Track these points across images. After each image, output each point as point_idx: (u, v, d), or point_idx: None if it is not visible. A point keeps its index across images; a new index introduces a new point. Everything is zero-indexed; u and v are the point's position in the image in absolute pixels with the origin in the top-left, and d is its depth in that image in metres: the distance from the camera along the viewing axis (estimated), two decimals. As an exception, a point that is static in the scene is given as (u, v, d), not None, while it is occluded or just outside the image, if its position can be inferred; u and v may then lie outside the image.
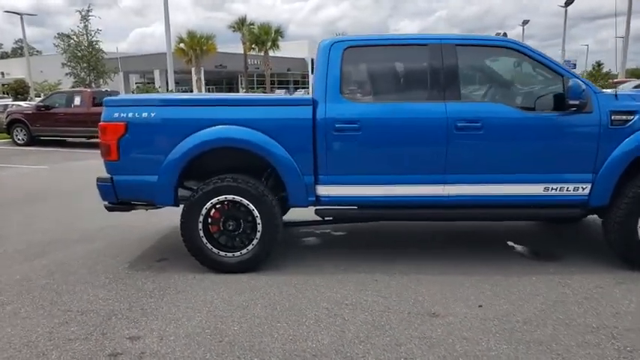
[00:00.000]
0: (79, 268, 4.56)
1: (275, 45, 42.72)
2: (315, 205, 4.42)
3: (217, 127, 4.23)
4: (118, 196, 4.43)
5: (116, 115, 4.28)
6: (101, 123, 4.32)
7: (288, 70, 58.94)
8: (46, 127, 14.98)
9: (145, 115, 4.27)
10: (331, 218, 4.55)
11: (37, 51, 75.80)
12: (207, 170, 4.62)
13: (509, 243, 5.16)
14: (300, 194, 4.32)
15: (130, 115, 4.26)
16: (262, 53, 43.77)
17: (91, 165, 11.04)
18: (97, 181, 4.44)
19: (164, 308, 3.69)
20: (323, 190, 4.31)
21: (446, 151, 4.16)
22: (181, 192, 4.60)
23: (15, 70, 53.97)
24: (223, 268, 4.35)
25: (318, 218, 4.53)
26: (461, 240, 5.32)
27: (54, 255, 4.95)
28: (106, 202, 4.55)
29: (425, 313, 3.58)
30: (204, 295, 3.92)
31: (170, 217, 5.48)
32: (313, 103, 4.23)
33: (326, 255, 4.84)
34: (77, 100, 14.54)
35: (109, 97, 4.50)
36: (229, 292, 3.95)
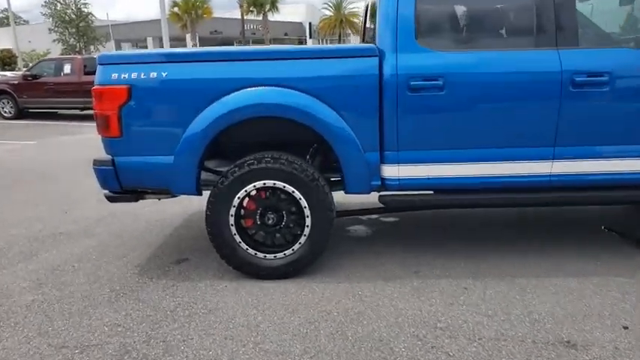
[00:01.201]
0: (75, 276, 3.55)
1: (274, 7, 40.89)
2: (379, 191, 3.39)
3: (251, 89, 3.17)
4: (122, 184, 3.38)
5: (115, 76, 3.20)
6: (95, 87, 3.24)
7: (285, 34, 57.02)
8: (35, 98, 13.76)
9: (153, 75, 3.19)
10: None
11: (25, 20, 73.22)
12: (236, 147, 3.58)
13: (605, 229, 4.15)
14: (360, 177, 3.28)
15: (134, 75, 3.18)
16: (260, 17, 41.97)
17: (86, 140, 9.94)
18: (94, 164, 3.39)
19: (195, 340, 2.70)
20: (391, 171, 3.28)
21: (558, 116, 3.11)
22: (203, 175, 3.56)
23: (1, 40, 52.02)
24: (261, 273, 3.35)
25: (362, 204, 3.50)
26: (547, 227, 4.31)
27: (43, 257, 3.93)
28: (107, 191, 3.50)
29: (555, 341, 2.60)
30: (244, 314, 2.93)
31: (186, 200, 4.46)
32: (379, 54, 3.15)
33: (383, 250, 3.84)
34: (67, 68, 13.29)
35: (105, 53, 3.40)
36: (277, 310, 2.96)
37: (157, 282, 3.40)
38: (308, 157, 3.58)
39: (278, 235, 3.38)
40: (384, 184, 3.34)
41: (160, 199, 3.80)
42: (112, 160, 3.32)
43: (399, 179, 3.29)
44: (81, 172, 6.73)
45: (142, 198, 3.60)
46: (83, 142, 9.58)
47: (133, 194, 3.54)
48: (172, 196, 3.63)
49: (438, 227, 4.36)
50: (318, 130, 3.19)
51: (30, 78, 13.79)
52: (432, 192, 3.44)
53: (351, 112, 3.19)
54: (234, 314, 2.94)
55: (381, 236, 4.23)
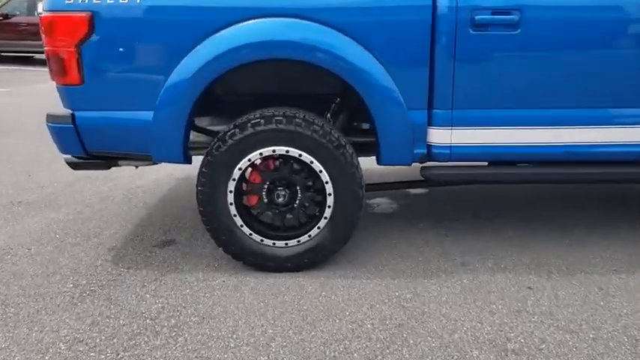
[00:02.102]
0: (29, 264, 2.79)
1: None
2: (423, 162, 2.62)
3: (257, 21, 2.33)
4: (86, 147, 2.58)
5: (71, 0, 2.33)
6: (43, 14, 2.38)
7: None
8: (7, 40, 12.59)
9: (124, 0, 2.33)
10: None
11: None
12: (235, 100, 2.78)
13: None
14: (401, 143, 2.51)
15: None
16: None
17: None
18: (48, 120, 2.58)
19: (182, 368, 1.98)
20: (441, 136, 2.50)
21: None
22: (192, 137, 2.78)
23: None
24: (268, 265, 2.62)
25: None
26: (616, 205, 3.59)
27: (-6, 235, 3.15)
28: (68, 156, 2.70)
29: (678, 376, 1.90)
30: (248, 325, 2.21)
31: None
32: (433, -23, 2.31)
33: (416, 232, 3.13)
34: (41, 7, 12.07)
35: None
36: (292, 320, 2.24)
37: (135, 274, 2.65)
38: (329, 115, 2.78)
39: (290, 216, 2.61)
40: (430, 154, 2.56)
41: (137, 167, 2.99)
42: (72, 116, 2.50)
43: (450, 147, 2.52)
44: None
45: (115, 165, 2.80)
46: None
47: (103, 160, 2.73)
48: (153, 163, 2.83)
49: (474, 202, 3.62)
50: (347, 78, 2.39)
51: (1, 18, 12.57)
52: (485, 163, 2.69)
53: (392, 55, 2.40)
54: (236, 325, 2.21)
55: (410, 213, 3.48)
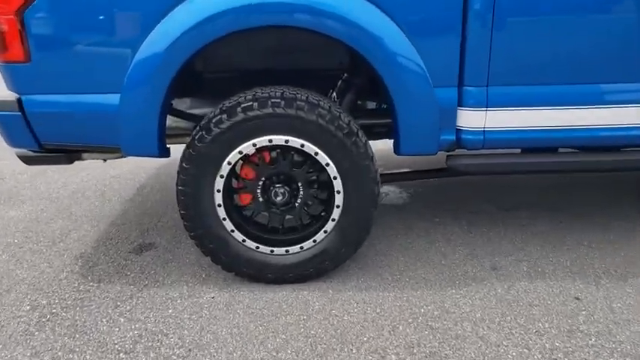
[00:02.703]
0: (-21, 277, 2.33)
1: None
2: (449, 150, 2.18)
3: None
4: (39, 139, 2.10)
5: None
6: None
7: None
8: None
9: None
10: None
11: None
12: (219, 78, 2.32)
13: None
14: (425, 128, 2.07)
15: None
16: None
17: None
18: (-10, 107, 2.09)
19: None
20: (474, 119, 2.07)
21: None
22: (170, 121, 2.32)
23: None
24: (266, 276, 2.19)
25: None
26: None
27: (-61, 241, 2.68)
28: (21, 150, 2.22)
29: None
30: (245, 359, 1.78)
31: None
32: None
33: (433, 227, 2.75)
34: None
35: None
36: (300, 352, 1.81)
37: (106, 289, 2.20)
38: (334, 94, 2.32)
39: (290, 218, 2.18)
40: (459, 140, 2.12)
41: (105, 161, 2.52)
42: (19, 102, 2.01)
43: (484, 132, 2.08)
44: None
45: (79, 158, 2.33)
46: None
47: (63, 154, 2.26)
48: (123, 156, 2.36)
49: (492, 190, 3.21)
50: (361, 49, 1.93)
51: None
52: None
53: (416, 19, 1.92)
54: (230, 359, 1.79)
55: (423, 204, 3.06)
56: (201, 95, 2.53)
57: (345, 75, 2.31)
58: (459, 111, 2.06)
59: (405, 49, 1.93)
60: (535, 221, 2.76)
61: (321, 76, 2.34)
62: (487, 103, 2.02)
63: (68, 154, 2.27)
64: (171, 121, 2.46)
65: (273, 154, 2.11)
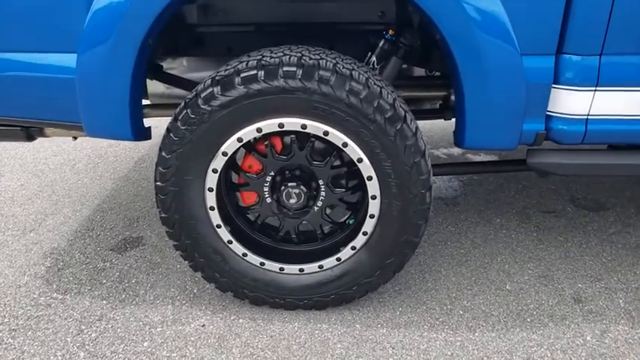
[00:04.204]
0: None
1: None
2: (533, 144, 1.55)
3: None
4: (-22, 111, 1.57)
5: None
6: None
7: None
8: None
9: None
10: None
11: None
12: (219, 31, 1.74)
13: None
14: (503, 113, 1.44)
15: None
16: None
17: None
18: None
19: None
20: (575, 102, 1.42)
21: None
22: (153, 88, 1.78)
23: None
24: (273, 300, 1.66)
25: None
26: None
27: None
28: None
29: None
30: None
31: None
32: None
33: (493, 230, 2.15)
34: None
35: None
36: None
37: (72, 305, 1.73)
38: (374, 58, 1.70)
39: (306, 225, 1.63)
40: (550, 131, 1.49)
41: (75, 138, 1.99)
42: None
43: (586, 120, 1.45)
44: None
45: (42, 135, 1.80)
46: None
47: (19, 129, 1.73)
48: (83, 135, 1.82)
49: (569, 181, 2.56)
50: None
51: None
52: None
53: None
54: None
55: (479, 198, 2.45)
56: (201, 54, 1.96)
57: (390, 32, 1.67)
58: (553, 90, 1.42)
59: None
60: (628, 229, 2.14)
61: (355, 34, 1.73)
62: (598, 80, 1.38)
63: (26, 130, 1.74)
64: (161, 87, 1.91)
65: (287, 139, 1.53)
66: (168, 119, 1.70)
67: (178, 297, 1.77)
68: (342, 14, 1.71)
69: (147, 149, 2.98)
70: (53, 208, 2.36)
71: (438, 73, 2.05)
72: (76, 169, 2.75)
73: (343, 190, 1.59)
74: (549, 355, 1.50)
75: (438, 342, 1.55)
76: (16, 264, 1.95)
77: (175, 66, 1.98)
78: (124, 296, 1.77)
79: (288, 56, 1.38)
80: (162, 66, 1.92)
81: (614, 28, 1.33)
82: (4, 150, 3.00)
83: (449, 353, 1.51)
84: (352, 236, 1.59)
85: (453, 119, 1.71)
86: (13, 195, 2.49)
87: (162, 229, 2.09)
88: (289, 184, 1.55)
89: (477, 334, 1.58)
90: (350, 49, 1.69)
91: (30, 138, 1.79)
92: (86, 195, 2.48)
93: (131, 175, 2.67)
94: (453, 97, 1.88)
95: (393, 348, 1.53)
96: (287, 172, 1.58)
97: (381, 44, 1.69)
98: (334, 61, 1.39)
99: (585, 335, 1.58)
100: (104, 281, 1.85)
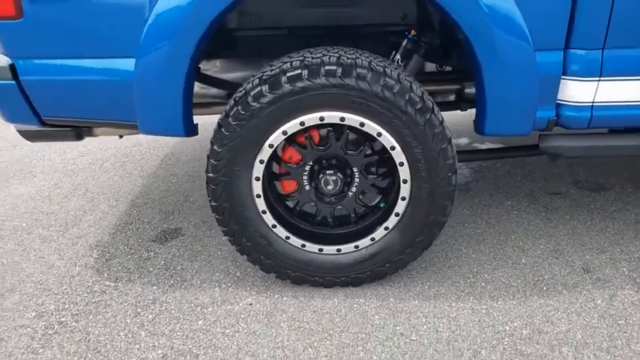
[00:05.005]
0: (-19, 273, 2.02)
1: None
2: (544, 130, 1.73)
3: None
4: (39, 113, 1.72)
5: None
6: None
7: None
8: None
9: None
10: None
11: None
12: (250, 34, 1.91)
13: None
14: (519, 103, 1.63)
15: None
16: None
17: None
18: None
19: None
20: (582, 91, 1.61)
21: None
22: (196, 88, 1.93)
23: None
24: (314, 278, 1.82)
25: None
26: None
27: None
28: (16, 125, 1.86)
29: None
30: (294, 397, 1.45)
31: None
32: None
33: (505, 210, 2.33)
34: None
35: None
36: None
37: (126, 291, 1.88)
38: (398, 56, 1.87)
39: (341, 210, 1.79)
40: (560, 117, 1.67)
41: (121, 137, 2.15)
42: (12, 68, 1.63)
43: (591, 107, 1.63)
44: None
45: (90, 134, 1.95)
46: None
47: (71, 129, 1.88)
48: (135, 133, 1.98)
49: (569, 164, 2.75)
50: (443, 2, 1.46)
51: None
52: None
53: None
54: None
55: (490, 182, 2.63)
56: (234, 56, 2.11)
57: (413, 33, 1.84)
58: (563, 81, 1.60)
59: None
60: (627, 207, 2.32)
61: (378, 35, 1.89)
62: (601, 71, 1.56)
63: (77, 130, 1.89)
64: (197, 87, 2.06)
65: (323, 132, 1.70)
66: (202, 117, 1.88)
67: (223, 280, 1.92)
68: (367, 17, 1.88)
69: (170, 147, 3.13)
70: (90, 205, 2.50)
71: (449, 69, 2.22)
72: (105, 168, 2.89)
73: (375, 176, 1.75)
74: (565, 317, 1.68)
75: (465, 310, 1.72)
76: (65, 256, 2.10)
77: (209, 67, 2.14)
78: (172, 282, 1.93)
79: (327, 56, 1.54)
80: (199, 67, 2.07)
81: (615, 25, 1.51)
82: (32, 152, 3.13)
83: (476, 319, 1.68)
84: (384, 218, 1.76)
85: (469, 109, 1.88)
86: (49, 194, 2.62)
87: (198, 220, 2.28)
88: (327, 172, 1.71)
89: (499, 303, 1.76)
90: (372, 48, 1.85)
91: (79, 137, 1.93)
92: (119, 192, 2.62)
93: (159, 172, 2.82)
94: (467, 90, 2.07)
95: (426, 317, 1.70)
96: (324, 161, 1.74)
97: (404, 43, 1.86)
98: (368, 60, 1.55)
99: (596, 300, 1.76)
100: (151, 269, 2.00)
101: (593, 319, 1.68)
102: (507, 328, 1.64)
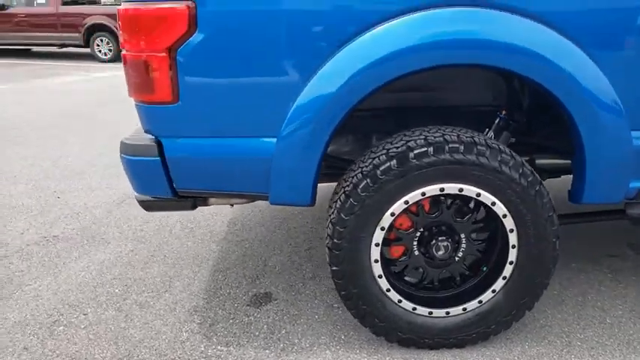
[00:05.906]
0: (94, 340, 2.08)
1: None
2: (633, 198, 1.93)
3: (423, 13, 1.63)
4: (175, 185, 1.86)
5: (162, -17, 1.62)
6: (125, 6, 1.66)
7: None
8: (4, 32, 11.69)
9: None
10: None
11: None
12: (361, 116, 2.11)
13: None
14: (614, 176, 1.83)
15: (203, -16, 1.62)
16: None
17: (68, 84, 8.24)
18: (123, 151, 1.87)
19: None
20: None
21: None
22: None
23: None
24: (423, 341, 1.93)
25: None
26: None
27: (16, 298, 2.43)
28: (144, 196, 1.99)
29: None
30: None
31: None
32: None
33: (569, 274, 2.45)
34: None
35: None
36: None
37: (239, 355, 1.95)
38: (491, 133, 2.09)
39: (446, 273, 1.94)
40: (647, 186, 1.87)
41: (232, 205, 2.29)
42: (159, 145, 1.78)
43: (675, 179, 1.83)
44: (64, 128, 5.17)
45: (204, 204, 2.09)
46: (64, 88, 7.90)
47: (189, 199, 2.02)
48: (252, 200, 2.13)
49: (616, 226, 2.94)
50: (552, 87, 1.69)
51: (-4, 9, 11.70)
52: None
53: (615, 52, 1.69)
54: None
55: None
56: (342, 134, 2.31)
57: (504, 112, 2.07)
58: (651, 153, 1.82)
59: (602, 87, 1.70)
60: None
61: (472, 114, 2.11)
62: (687, 148, 1.78)
63: (194, 199, 2.03)
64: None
65: (435, 202, 1.87)
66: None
67: (331, 343, 2.01)
68: (462, 99, 2.10)
69: (232, 213, 3.25)
70: (173, 271, 2.59)
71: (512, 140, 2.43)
72: (175, 234, 2.99)
73: (481, 242, 1.91)
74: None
75: (571, 369, 1.84)
76: (168, 322, 2.17)
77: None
78: (282, 345, 2.01)
79: (449, 135, 1.74)
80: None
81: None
82: (97, 219, 3.21)
83: (584, 377, 1.80)
84: (489, 281, 1.90)
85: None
86: (129, 260, 2.71)
87: (285, 285, 2.39)
88: (439, 238, 1.87)
89: (600, 360, 1.88)
90: (461, 125, 2.05)
91: (194, 207, 2.07)
92: (197, 257, 2.72)
93: (230, 238, 2.93)
94: (537, 162, 2.27)
95: (537, 375, 1.81)
96: (432, 227, 1.90)
97: (496, 122, 2.08)
98: (486, 139, 1.75)
99: (687, 356, 1.90)
100: (257, 333, 2.09)
101: (690, 374, 1.81)
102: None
